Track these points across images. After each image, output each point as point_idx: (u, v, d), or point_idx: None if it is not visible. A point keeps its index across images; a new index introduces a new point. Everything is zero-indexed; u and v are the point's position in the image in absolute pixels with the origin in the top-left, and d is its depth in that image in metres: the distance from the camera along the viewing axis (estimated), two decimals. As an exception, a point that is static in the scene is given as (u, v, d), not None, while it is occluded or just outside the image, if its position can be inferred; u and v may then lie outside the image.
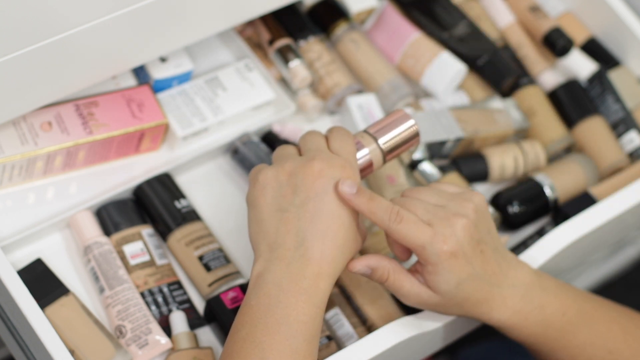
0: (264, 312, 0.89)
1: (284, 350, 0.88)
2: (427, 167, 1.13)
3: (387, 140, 0.99)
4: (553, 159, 1.20)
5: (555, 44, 1.22)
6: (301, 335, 0.89)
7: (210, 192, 1.12)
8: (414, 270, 0.96)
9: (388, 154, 0.99)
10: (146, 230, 1.07)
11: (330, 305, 1.05)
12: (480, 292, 0.96)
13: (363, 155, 0.98)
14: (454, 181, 1.13)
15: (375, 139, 0.99)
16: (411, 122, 1.00)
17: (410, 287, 0.95)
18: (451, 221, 0.94)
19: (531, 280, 0.98)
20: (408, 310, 1.05)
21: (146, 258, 1.05)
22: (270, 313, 0.89)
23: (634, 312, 1.04)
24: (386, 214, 0.93)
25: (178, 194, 1.08)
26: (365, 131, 1.00)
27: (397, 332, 0.99)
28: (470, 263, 0.94)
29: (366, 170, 0.99)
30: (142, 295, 1.04)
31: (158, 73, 1.11)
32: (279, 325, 0.89)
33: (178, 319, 1.02)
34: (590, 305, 1.01)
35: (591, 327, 1.00)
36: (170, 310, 1.04)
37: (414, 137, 1.00)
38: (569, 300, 1.00)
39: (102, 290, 1.02)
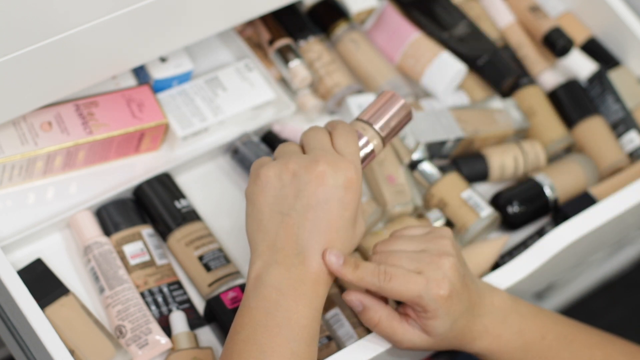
0: (264, 315, 0.89)
1: (284, 353, 0.88)
2: (427, 167, 1.13)
3: (382, 124, 0.98)
4: (553, 159, 1.20)
5: (555, 44, 1.22)
6: (302, 338, 0.89)
7: (210, 192, 1.12)
8: (404, 314, 0.95)
9: (386, 137, 0.99)
10: (146, 230, 1.07)
11: (330, 305, 1.05)
12: (467, 325, 0.96)
13: (363, 143, 0.98)
14: (454, 181, 1.13)
15: (371, 125, 0.98)
16: (402, 101, 0.99)
17: (403, 334, 0.94)
18: (439, 263, 0.93)
19: (509, 306, 0.98)
20: (408, 310, 1.05)
21: (146, 258, 1.05)
22: (270, 316, 0.89)
23: (617, 338, 1.03)
24: (375, 277, 0.92)
25: (178, 194, 1.08)
26: (359, 119, 0.99)
27: (397, 332, 0.99)
28: (461, 300, 0.94)
29: (369, 158, 0.98)
30: (142, 295, 1.04)
31: (158, 73, 1.11)
32: (280, 328, 0.88)
33: (178, 319, 1.02)
34: (571, 330, 1.00)
35: (572, 352, 0.99)
36: (170, 310, 1.04)
37: (407, 115, 1.00)
38: (548, 324, 0.99)
39: (102, 290, 1.02)
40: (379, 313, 0.94)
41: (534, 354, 0.98)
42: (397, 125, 0.99)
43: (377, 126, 0.98)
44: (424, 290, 0.92)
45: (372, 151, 0.98)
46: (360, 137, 0.97)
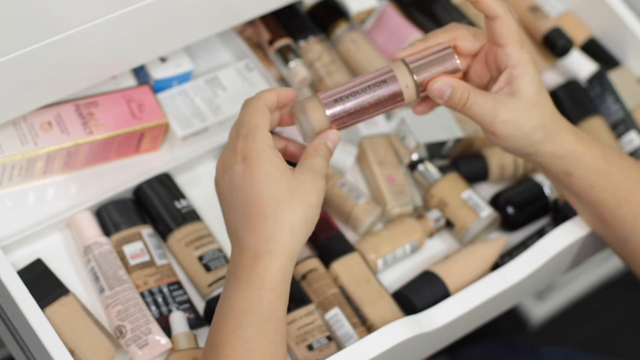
0: (216, 312, 0.91)
1: (233, 342, 0.88)
2: (427, 167, 1.13)
3: (424, 78, 0.96)
4: (553, 159, 1.20)
5: (555, 44, 1.22)
6: (248, 322, 0.89)
7: (210, 192, 1.12)
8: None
9: (423, 90, 0.97)
10: (146, 230, 1.07)
11: (330, 305, 1.05)
12: (552, 106, 0.98)
13: (394, 88, 0.95)
14: (454, 181, 1.13)
15: (412, 73, 0.96)
16: (455, 62, 0.96)
17: (496, 102, 0.96)
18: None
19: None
20: (408, 310, 1.05)
21: (146, 258, 1.05)
22: (218, 311, 0.90)
23: None
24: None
25: (178, 194, 1.08)
26: (404, 61, 0.96)
27: (397, 332, 0.99)
28: (538, 75, 0.98)
29: (397, 103, 0.96)
30: (142, 295, 1.04)
31: (158, 73, 1.11)
32: (225, 319, 0.89)
33: (178, 319, 1.02)
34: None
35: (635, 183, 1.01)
36: (170, 311, 1.04)
37: (453, 74, 0.97)
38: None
39: (102, 290, 1.02)
40: (466, 87, 0.96)
41: (617, 168, 1.00)
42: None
43: (416, 77, 0.95)
44: (516, 32, 0.97)
45: (402, 98, 0.95)
46: (393, 80, 0.95)
